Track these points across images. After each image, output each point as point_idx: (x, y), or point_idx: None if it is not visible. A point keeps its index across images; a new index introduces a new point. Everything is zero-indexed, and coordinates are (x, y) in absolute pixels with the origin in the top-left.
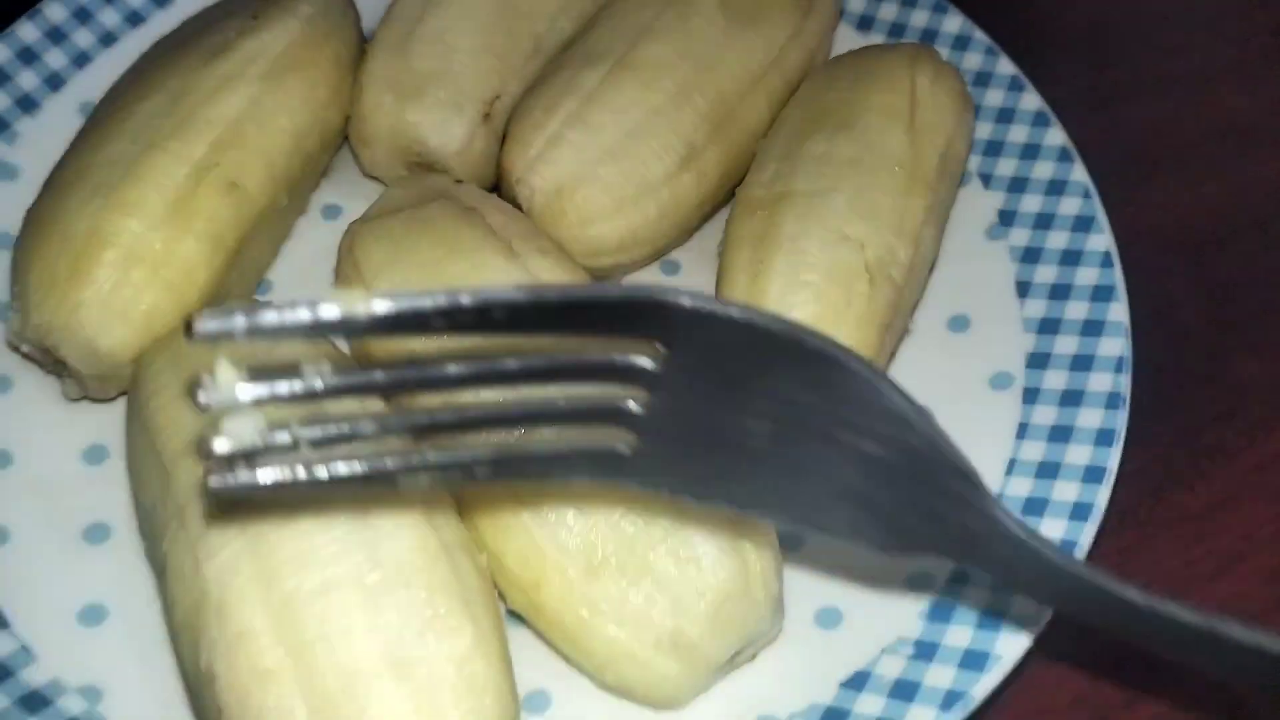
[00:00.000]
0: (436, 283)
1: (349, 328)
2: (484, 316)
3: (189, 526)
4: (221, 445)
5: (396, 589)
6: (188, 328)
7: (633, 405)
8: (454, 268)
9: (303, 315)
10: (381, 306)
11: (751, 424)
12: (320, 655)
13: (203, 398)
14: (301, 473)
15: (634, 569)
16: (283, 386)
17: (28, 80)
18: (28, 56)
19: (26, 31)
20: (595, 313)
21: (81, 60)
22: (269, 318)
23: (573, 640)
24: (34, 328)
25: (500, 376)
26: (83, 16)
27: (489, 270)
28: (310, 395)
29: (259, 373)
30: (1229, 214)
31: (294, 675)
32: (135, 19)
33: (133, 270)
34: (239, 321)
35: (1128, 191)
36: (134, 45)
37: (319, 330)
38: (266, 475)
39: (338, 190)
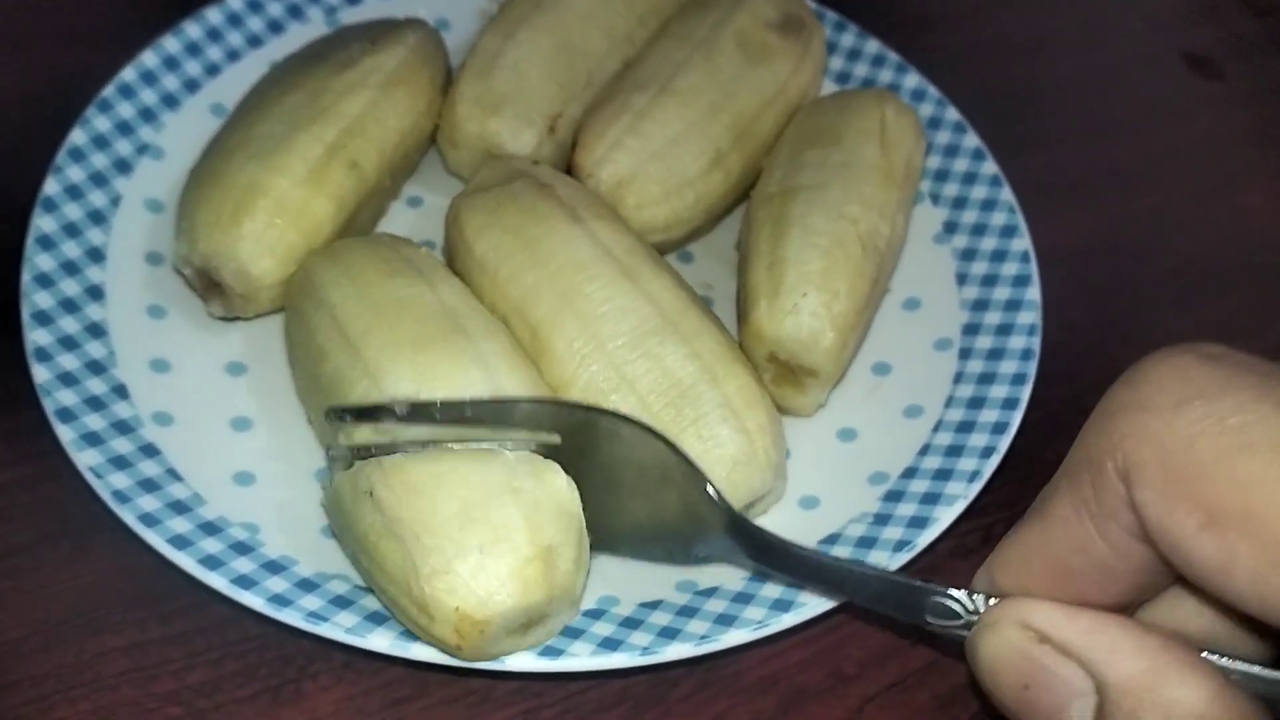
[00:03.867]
0: (520, 241)
1: (397, 417)
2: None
3: (380, 382)
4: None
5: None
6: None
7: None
8: (533, 230)
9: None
10: (404, 406)
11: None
12: (454, 481)
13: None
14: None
15: None
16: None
17: (170, 83)
18: (171, 64)
19: (171, 44)
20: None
21: (213, 70)
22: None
23: None
24: (199, 254)
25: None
26: (214, 36)
27: (560, 232)
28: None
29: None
30: (1110, 238)
31: (439, 489)
32: (255, 41)
33: (278, 217)
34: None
35: (1031, 220)
36: (252, 62)
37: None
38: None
39: (422, 185)
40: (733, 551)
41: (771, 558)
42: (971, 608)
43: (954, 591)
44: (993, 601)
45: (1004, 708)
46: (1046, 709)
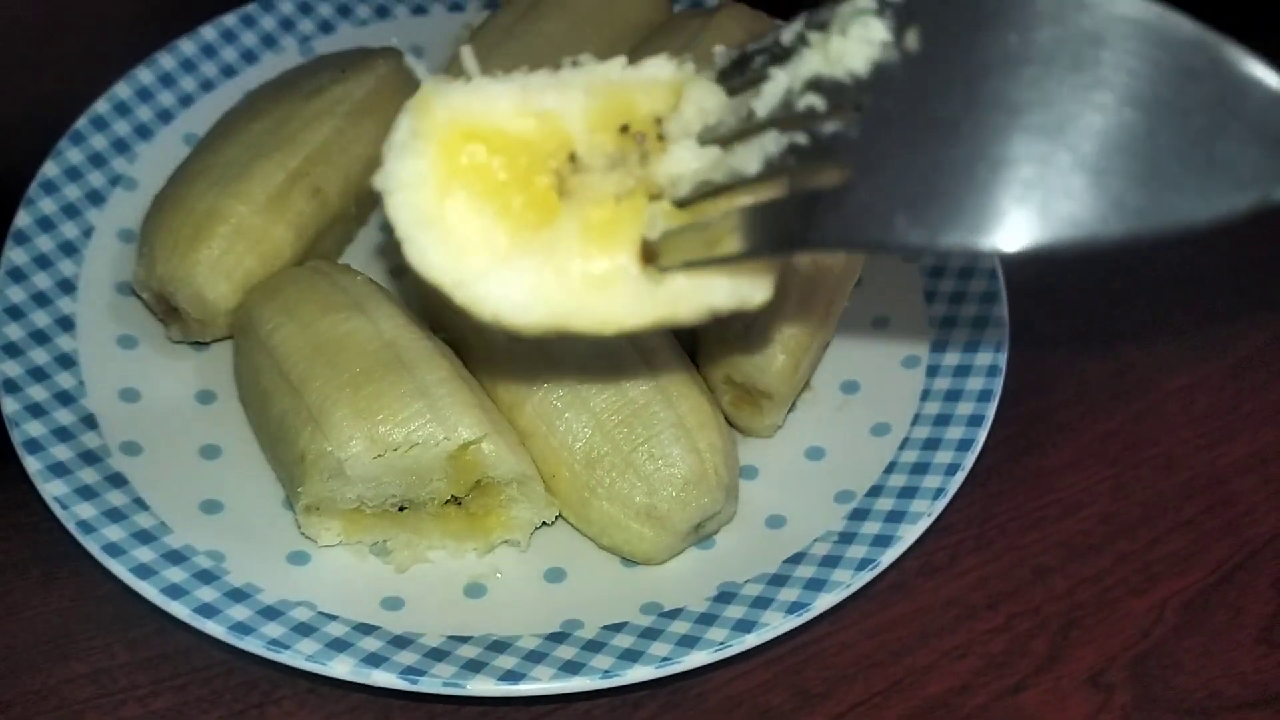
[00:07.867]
0: None
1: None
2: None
3: (323, 426)
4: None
5: None
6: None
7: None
8: None
9: None
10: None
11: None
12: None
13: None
14: None
15: (621, 464)
16: None
17: (144, 113)
18: (145, 95)
19: (144, 75)
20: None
21: (186, 101)
22: None
23: (578, 513)
24: (157, 277)
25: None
26: (188, 66)
27: None
28: None
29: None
30: (1082, 249)
31: None
32: (229, 71)
33: (237, 243)
34: None
35: None
36: (226, 92)
37: None
38: None
39: None
40: None
41: None
42: None
43: None
44: None
45: None
46: None
